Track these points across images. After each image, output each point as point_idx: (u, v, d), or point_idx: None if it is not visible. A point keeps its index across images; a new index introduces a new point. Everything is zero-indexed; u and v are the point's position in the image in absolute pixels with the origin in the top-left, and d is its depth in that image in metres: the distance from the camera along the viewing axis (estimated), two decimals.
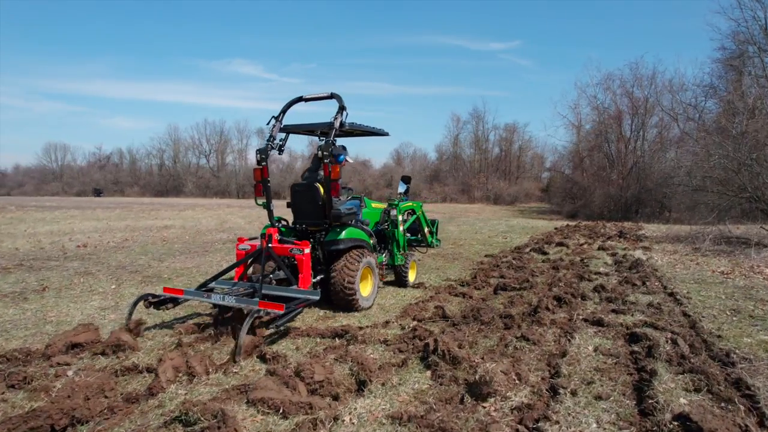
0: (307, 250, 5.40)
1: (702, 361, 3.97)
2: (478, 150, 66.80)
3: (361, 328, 5.02)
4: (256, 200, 6.01)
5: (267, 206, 5.97)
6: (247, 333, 4.51)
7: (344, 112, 5.74)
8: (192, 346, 4.37)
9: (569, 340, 4.64)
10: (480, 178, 61.88)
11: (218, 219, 21.97)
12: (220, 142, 79.59)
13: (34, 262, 9.25)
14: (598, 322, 5.20)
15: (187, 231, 16.32)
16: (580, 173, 41.19)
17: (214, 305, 5.21)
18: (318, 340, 4.65)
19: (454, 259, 10.53)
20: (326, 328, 4.87)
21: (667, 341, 4.40)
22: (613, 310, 5.75)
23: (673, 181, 17.64)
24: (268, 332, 4.70)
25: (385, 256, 7.09)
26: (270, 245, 5.38)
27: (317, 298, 4.92)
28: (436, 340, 4.07)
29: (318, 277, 5.81)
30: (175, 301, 5.13)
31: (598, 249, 11.58)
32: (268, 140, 5.97)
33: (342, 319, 5.47)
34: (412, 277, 7.50)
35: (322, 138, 5.94)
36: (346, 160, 6.53)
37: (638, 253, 10.74)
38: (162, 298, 5.02)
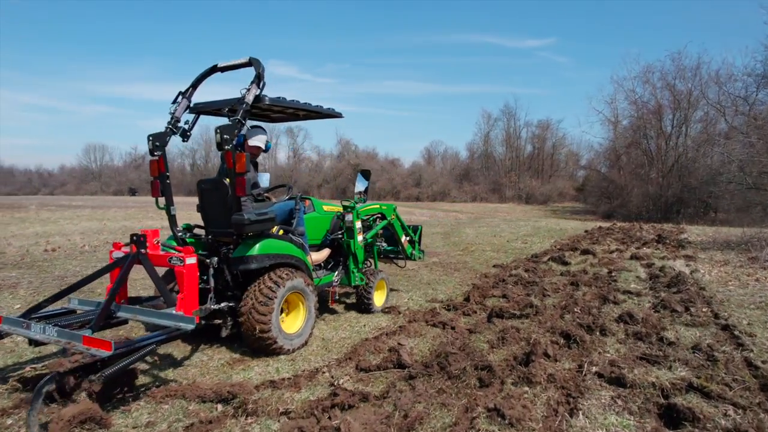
0: (191, 261, 3.87)
1: None
2: (509, 148, 64.33)
3: (272, 383, 3.53)
4: (156, 202, 4.57)
5: (167, 210, 4.50)
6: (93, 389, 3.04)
7: (261, 83, 4.26)
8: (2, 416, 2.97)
9: (569, 416, 3.02)
10: (511, 176, 59.57)
11: None
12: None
13: None
14: (619, 380, 3.54)
15: None
16: (617, 171, 38.55)
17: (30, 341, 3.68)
18: (192, 407, 3.18)
19: (456, 270, 8.91)
20: (213, 386, 3.38)
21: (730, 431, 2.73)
22: (643, 357, 4.06)
23: (722, 179, 15.44)
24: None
25: (337, 275, 5.47)
26: (143, 251, 3.97)
27: (191, 327, 3.37)
28: (338, 429, 2.54)
29: (223, 304, 4.22)
30: None
31: (631, 258, 9.73)
32: (169, 123, 4.50)
33: (255, 366, 3.98)
34: (379, 300, 5.88)
35: (233, 118, 4.23)
36: (256, 147, 4.96)
37: (679, 264, 8.86)
38: None
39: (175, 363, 4.10)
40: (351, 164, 62.09)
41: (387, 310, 5.81)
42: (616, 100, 42.31)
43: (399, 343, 4.47)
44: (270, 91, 4.44)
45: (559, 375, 3.60)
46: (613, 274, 8.00)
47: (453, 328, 5.02)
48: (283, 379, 3.63)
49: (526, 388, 3.44)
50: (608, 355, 4.16)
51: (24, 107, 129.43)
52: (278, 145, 75.61)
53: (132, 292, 6.60)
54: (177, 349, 4.46)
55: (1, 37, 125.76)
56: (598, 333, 4.75)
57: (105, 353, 2.87)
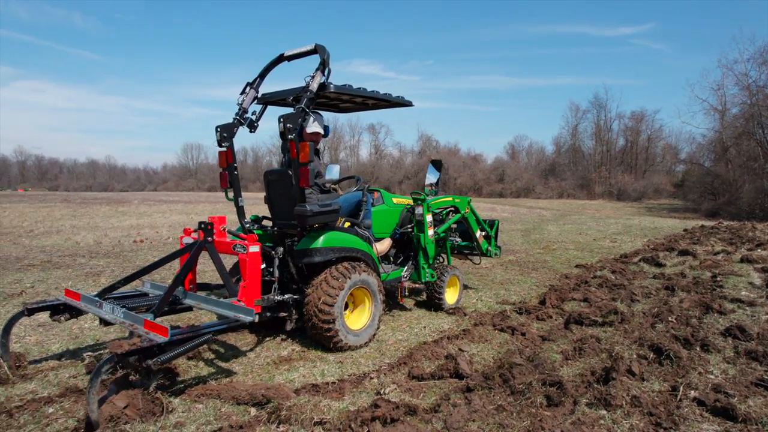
0: (254, 249, 3.82)
1: None
2: (599, 141, 60.54)
3: (314, 387, 3.27)
4: (226, 194, 4.56)
5: (235, 201, 4.49)
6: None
7: (326, 70, 4.13)
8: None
9: None
10: (601, 172, 56.02)
11: None
12: (333, 138, 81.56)
13: (66, 258, 8.74)
14: (726, 412, 2.88)
15: None
16: (724, 165, 34.82)
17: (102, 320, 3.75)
18: (224, 408, 2.97)
19: (533, 269, 8.24)
20: (249, 387, 3.17)
21: None
22: (761, 383, 3.32)
23: None
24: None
25: (406, 271, 5.20)
26: (210, 238, 4.00)
27: (250, 319, 3.33)
28: None
29: (288, 296, 4.17)
30: (74, 311, 3.79)
31: (741, 261, 8.48)
32: (237, 114, 4.48)
33: (301, 366, 3.74)
34: (451, 298, 5.55)
35: (296, 107, 4.09)
36: (315, 133, 4.67)
37: None
38: (47, 304, 3.73)
39: (222, 357, 3.98)
40: (432, 160, 61.46)
41: (452, 311, 5.38)
42: (724, 86, 38.22)
43: (460, 349, 4.06)
44: None
45: (646, 398, 3.01)
46: (718, 278, 6.97)
47: (523, 334, 4.51)
48: (327, 383, 3.35)
49: (604, 412, 2.89)
50: (712, 377, 3.47)
51: (137, 112, 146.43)
52: (360, 141, 76.87)
53: (208, 279, 6.74)
54: (228, 341, 4.36)
55: (124, 50, 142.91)
56: (698, 348, 4.02)
57: (162, 339, 2.87)
